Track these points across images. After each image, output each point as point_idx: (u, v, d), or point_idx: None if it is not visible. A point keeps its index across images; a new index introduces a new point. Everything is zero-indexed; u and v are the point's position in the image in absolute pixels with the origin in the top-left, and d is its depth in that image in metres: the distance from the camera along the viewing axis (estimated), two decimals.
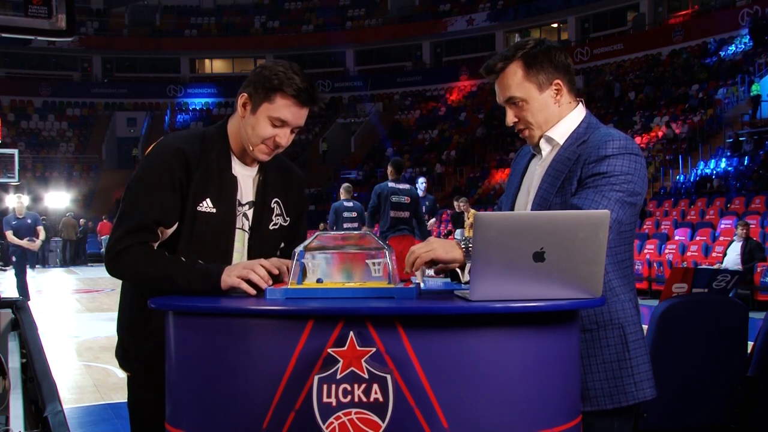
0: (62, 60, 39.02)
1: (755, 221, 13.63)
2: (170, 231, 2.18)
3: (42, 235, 11.62)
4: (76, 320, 11.36)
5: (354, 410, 1.63)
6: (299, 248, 1.96)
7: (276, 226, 2.29)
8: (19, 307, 3.39)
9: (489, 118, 30.02)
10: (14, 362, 2.83)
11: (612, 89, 27.38)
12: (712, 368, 3.10)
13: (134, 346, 2.26)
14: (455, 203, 15.58)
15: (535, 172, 2.27)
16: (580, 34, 33.09)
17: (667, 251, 13.89)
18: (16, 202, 11.84)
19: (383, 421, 1.63)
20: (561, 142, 2.22)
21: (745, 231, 11.67)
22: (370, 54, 38.93)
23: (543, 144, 2.25)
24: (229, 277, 2.02)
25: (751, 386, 3.14)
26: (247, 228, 2.25)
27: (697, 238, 14.08)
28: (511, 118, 2.25)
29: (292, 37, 38.93)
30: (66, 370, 7.12)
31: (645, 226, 15.81)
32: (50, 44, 32.87)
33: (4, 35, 4.25)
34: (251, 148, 2.19)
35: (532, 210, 2.19)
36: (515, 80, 2.20)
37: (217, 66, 41.32)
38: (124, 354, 2.31)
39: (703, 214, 15.82)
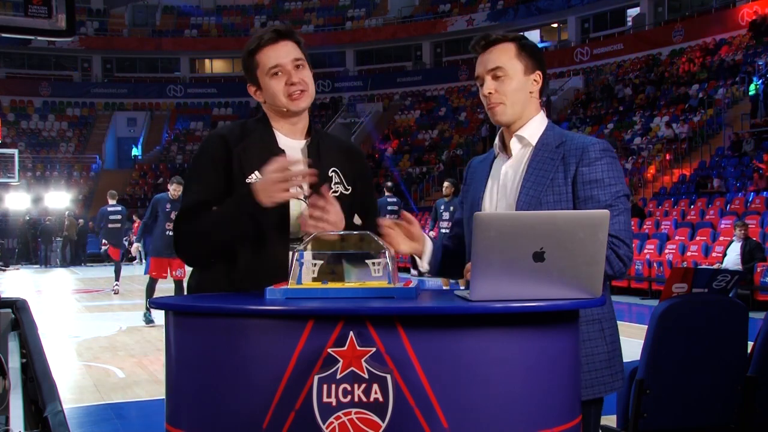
0: (62, 60, 39.01)
1: (755, 221, 13.61)
2: None
3: None
4: (76, 320, 11.36)
5: (354, 410, 1.63)
6: (299, 248, 1.96)
7: (336, 194, 2.33)
8: (19, 307, 3.39)
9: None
10: (14, 362, 2.83)
11: (612, 89, 27.36)
12: (712, 368, 3.10)
13: None
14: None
15: (507, 173, 2.31)
16: (580, 34, 33.07)
17: (667, 251, 13.88)
18: None
19: (383, 421, 1.63)
20: (533, 142, 2.29)
21: (743, 231, 11.65)
22: (370, 54, 38.92)
23: (513, 143, 2.31)
24: (273, 198, 2.13)
25: (751, 386, 3.14)
26: (302, 196, 2.28)
27: (697, 238, 14.07)
28: (489, 87, 2.27)
29: None
30: (66, 370, 7.12)
31: (645, 226, 15.79)
32: (50, 44, 32.87)
33: (4, 35, 4.26)
34: (285, 108, 2.30)
35: (519, 209, 2.24)
36: (506, 55, 2.27)
37: (217, 66, 41.27)
38: None
39: (703, 214, 15.79)
